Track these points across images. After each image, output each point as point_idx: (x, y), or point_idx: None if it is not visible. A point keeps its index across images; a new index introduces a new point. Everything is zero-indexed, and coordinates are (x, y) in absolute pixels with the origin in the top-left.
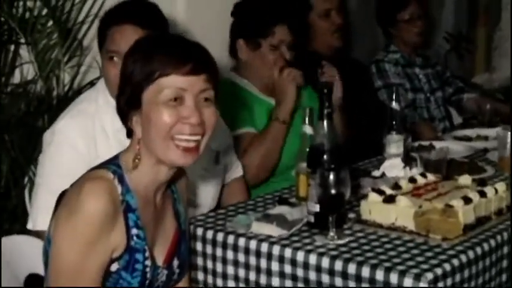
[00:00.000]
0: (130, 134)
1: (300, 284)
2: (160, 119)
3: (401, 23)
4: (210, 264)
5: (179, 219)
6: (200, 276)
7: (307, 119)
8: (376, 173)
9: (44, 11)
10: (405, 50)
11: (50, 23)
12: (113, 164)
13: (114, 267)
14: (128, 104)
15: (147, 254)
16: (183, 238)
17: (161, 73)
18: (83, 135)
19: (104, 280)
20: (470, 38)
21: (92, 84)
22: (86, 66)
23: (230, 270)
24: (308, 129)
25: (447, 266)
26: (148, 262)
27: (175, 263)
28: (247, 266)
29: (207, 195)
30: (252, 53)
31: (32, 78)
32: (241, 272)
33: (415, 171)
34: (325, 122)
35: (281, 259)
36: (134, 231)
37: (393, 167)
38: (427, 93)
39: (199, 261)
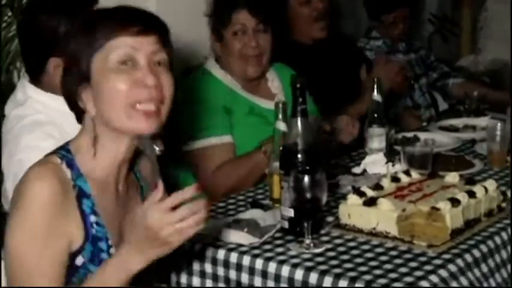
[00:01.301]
0: (80, 118)
1: None
2: (112, 87)
3: (385, 23)
4: (173, 277)
5: None
6: None
7: (280, 114)
8: (357, 170)
9: (3, 1)
10: (388, 37)
11: (9, 13)
12: (61, 149)
13: (79, 261)
14: (77, 82)
15: (110, 241)
16: None
17: (107, 37)
18: (56, 141)
19: (71, 275)
20: (454, 20)
21: None
22: None
23: (196, 282)
24: (282, 126)
25: (433, 278)
26: (113, 250)
27: None
28: (215, 278)
29: None
30: (219, 45)
31: None
32: (209, 284)
33: (398, 168)
34: (299, 120)
35: (251, 271)
36: (92, 218)
37: (375, 163)
38: (411, 81)
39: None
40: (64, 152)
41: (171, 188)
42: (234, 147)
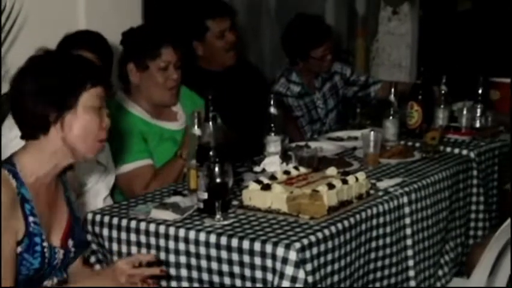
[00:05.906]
0: (31, 136)
1: (192, 259)
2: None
3: (312, 58)
4: (115, 247)
5: (71, 206)
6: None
7: (196, 121)
8: (257, 169)
9: None
10: (307, 77)
11: None
12: (6, 163)
13: (18, 250)
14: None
15: (44, 236)
16: (76, 222)
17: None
18: None
19: None
20: (349, 50)
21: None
22: None
23: (134, 250)
24: (197, 131)
25: (312, 238)
26: (45, 244)
27: (70, 243)
28: (148, 246)
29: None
30: (141, 75)
31: None
32: (144, 252)
33: (291, 167)
34: (210, 123)
35: (176, 238)
36: (31, 218)
37: (272, 164)
38: (323, 120)
39: (106, 244)
40: (9, 166)
41: None
42: (154, 169)
